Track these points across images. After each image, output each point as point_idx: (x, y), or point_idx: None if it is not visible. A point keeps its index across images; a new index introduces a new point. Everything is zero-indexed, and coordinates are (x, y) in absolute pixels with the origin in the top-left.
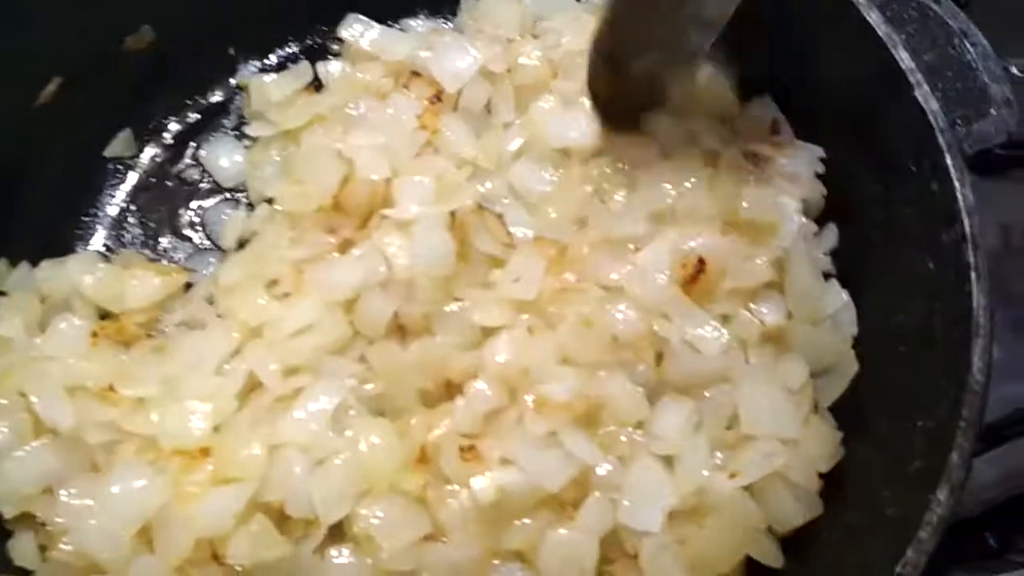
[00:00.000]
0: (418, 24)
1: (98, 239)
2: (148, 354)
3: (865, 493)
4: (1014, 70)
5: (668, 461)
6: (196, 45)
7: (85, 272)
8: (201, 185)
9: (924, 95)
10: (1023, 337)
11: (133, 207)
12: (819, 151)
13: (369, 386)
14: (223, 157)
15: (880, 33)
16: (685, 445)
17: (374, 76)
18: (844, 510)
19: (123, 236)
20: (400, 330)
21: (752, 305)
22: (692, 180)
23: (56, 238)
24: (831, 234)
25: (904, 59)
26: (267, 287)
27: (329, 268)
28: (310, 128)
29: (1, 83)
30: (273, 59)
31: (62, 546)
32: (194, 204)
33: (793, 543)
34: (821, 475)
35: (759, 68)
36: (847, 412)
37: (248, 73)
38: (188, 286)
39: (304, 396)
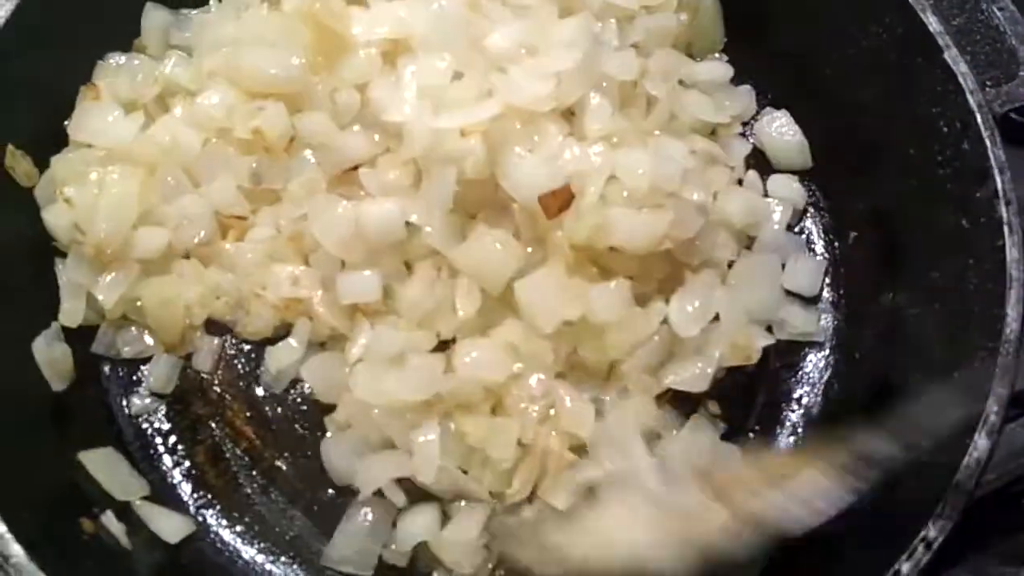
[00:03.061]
0: None
1: None
2: None
3: (902, 446)
4: None
5: None
6: None
7: None
8: None
9: (953, 57)
10: None
11: None
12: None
13: None
14: None
15: None
16: None
17: None
18: (880, 466)
19: None
20: None
21: None
22: None
23: None
24: None
25: (932, 23)
26: None
27: None
28: None
29: None
30: None
31: None
32: None
33: None
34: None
35: (791, 38)
36: (883, 373)
37: None
38: None
39: None
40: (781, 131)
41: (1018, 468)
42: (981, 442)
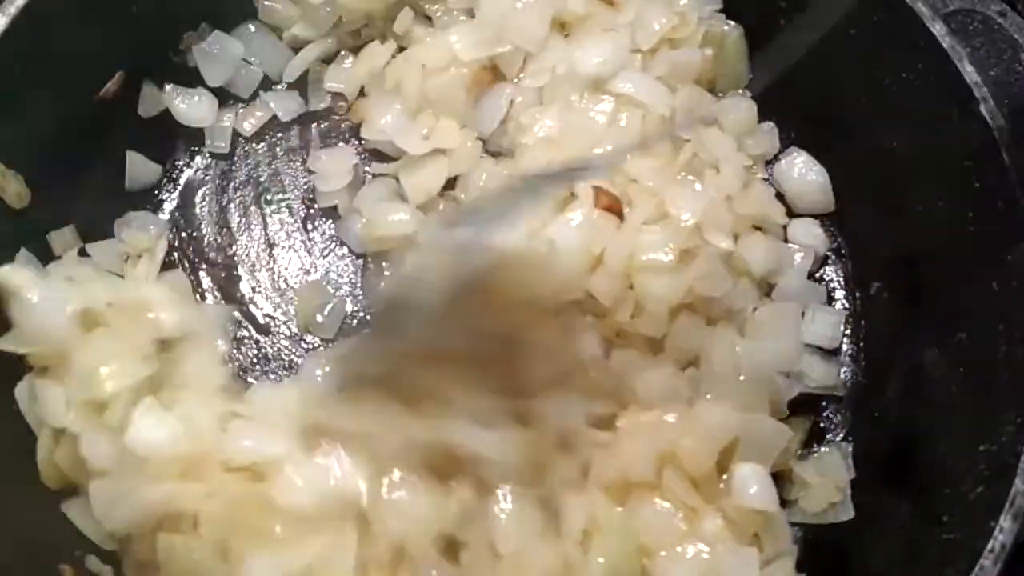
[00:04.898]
0: None
1: None
2: None
3: (923, 518)
4: None
5: None
6: None
7: None
8: None
9: (990, 111)
10: None
11: None
12: None
13: None
14: None
15: (944, 46)
16: None
17: None
18: (902, 534)
19: None
20: None
21: None
22: None
23: None
24: None
25: (969, 73)
26: None
27: None
28: None
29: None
30: None
31: None
32: None
33: (851, 570)
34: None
35: (821, 82)
36: (905, 432)
37: None
38: None
39: None
40: (803, 171)
41: None
42: (1007, 525)
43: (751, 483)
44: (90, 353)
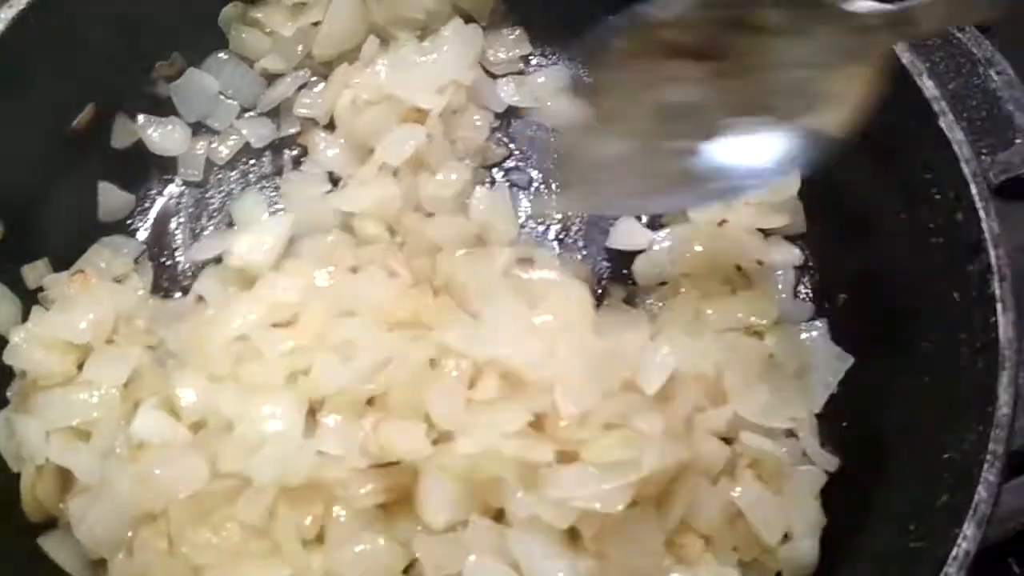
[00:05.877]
0: None
1: None
2: None
3: (890, 527)
4: None
5: None
6: None
7: None
8: None
9: (949, 124)
10: None
11: None
12: None
13: None
14: None
15: (904, 61)
16: None
17: None
18: (870, 544)
19: None
20: None
21: None
22: None
23: None
24: None
25: (928, 87)
26: None
27: None
28: None
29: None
30: None
31: None
32: None
33: None
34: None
35: None
36: (871, 443)
37: None
38: None
39: None
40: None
41: (1006, 531)
42: (970, 531)
43: None
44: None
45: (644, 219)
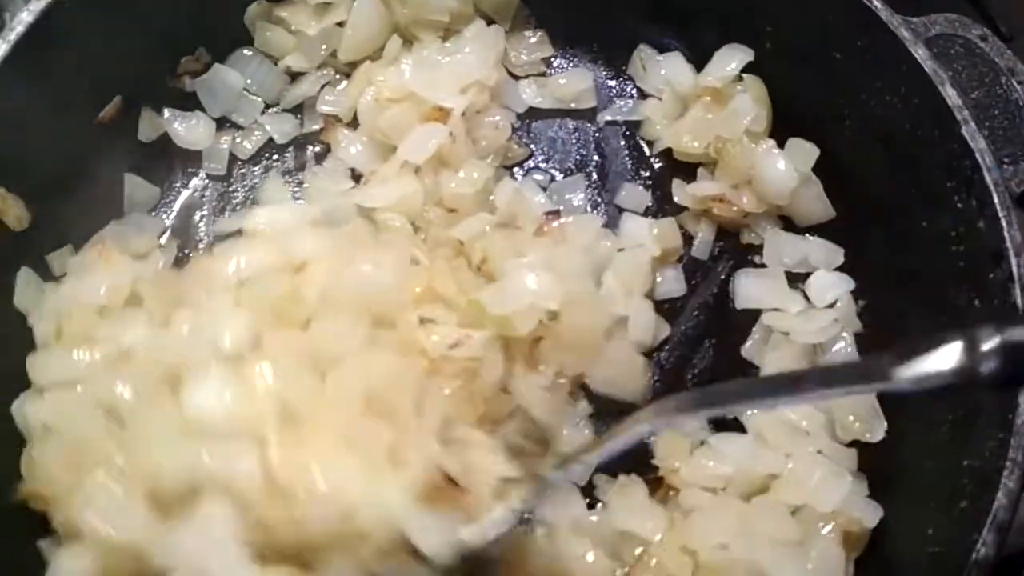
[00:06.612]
0: None
1: None
2: None
3: (910, 533)
4: None
5: None
6: None
7: None
8: None
9: (971, 133)
10: None
11: None
12: None
13: None
14: None
15: (927, 70)
16: None
17: None
18: (890, 550)
19: None
20: None
21: None
22: None
23: None
24: None
25: (951, 96)
26: None
27: None
28: None
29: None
30: None
31: None
32: None
33: None
34: None
35: (805, 104)
36: (891, 451)
37: None
38: None
39: None
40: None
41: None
42: (990, 538)
43: None
44: None
45: None
